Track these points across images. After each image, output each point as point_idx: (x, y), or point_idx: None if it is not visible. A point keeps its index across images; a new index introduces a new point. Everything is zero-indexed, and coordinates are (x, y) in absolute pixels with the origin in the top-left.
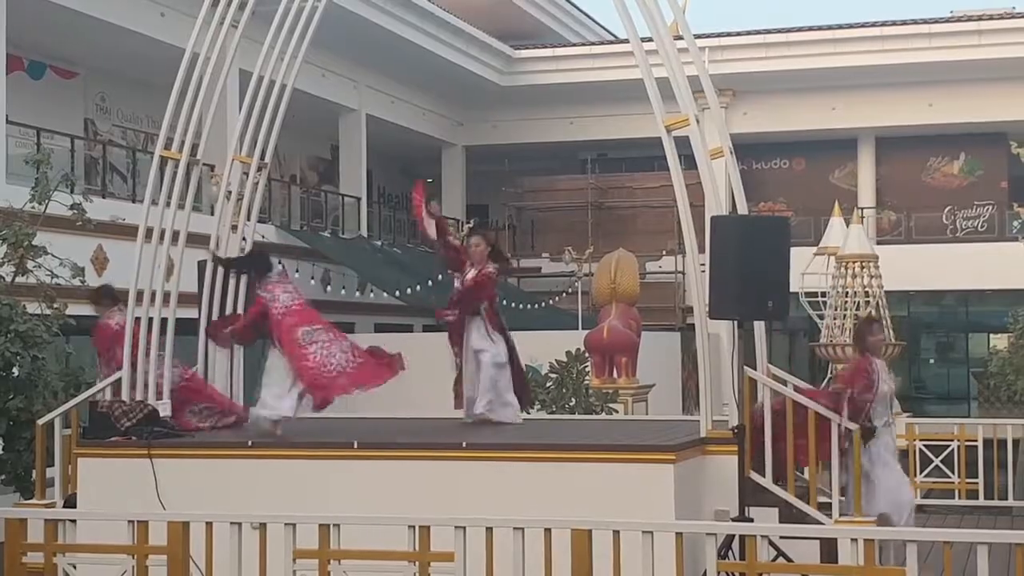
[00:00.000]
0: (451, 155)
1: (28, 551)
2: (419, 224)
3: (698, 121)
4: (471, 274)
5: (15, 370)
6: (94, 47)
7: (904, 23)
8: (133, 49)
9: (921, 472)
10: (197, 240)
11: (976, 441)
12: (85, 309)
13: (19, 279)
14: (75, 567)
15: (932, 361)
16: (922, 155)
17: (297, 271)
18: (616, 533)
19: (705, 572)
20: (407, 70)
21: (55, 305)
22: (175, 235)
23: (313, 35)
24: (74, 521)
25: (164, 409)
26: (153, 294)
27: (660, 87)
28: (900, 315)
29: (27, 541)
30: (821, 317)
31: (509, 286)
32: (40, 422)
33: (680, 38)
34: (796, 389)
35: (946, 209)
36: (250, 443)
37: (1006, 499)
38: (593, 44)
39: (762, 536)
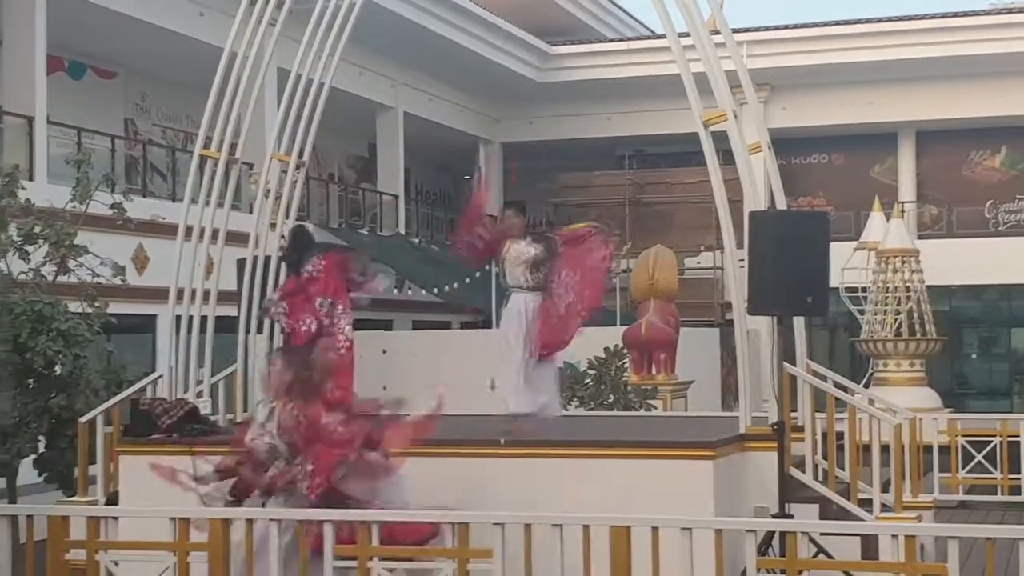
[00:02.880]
0: (488, 152)
1: (71, 548)
2: (463, 238)
3: (736, 116)
4: (526, 248)
5: (57, 368)
6: (134, 47)
7: (944, 16)
8: (172, 49)
9: (963, 468)
10: (236, 238)
11: (1019, 437)
12: (126, 307)
13: (61, 278)
14: (117, 564)
15: (974, 356)
16: (963, 149)
17: None
18: (655, 530)
19: (745, 569)
20: (444, 67)
21: (96, 304)
22: (214, 233)
23: (351, 33)
24: (116, 518)
25: (204, 407)
26: (193, 292)
27: (697, 82)
28: (941, 310)
29: (70, 538)
30: (862, 312)
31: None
32: (82, 420)
33: (717, 33)
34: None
35: (988, 203)
36: None
37: None
38: (630, 40)
39: (802, 533)
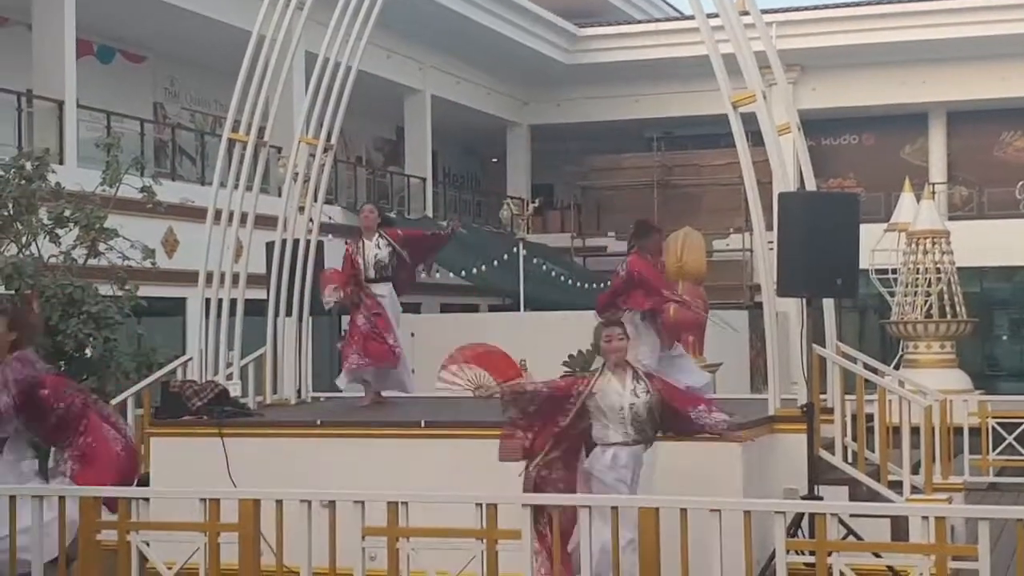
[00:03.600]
0: (516, 134)
1: (102, 529)
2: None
3: (765, 97)
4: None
5: (88, 351)
6: (163, 31)
7: None
8: (201, 33)
9: (993, 450)
10: (265, 222)
11: None
12: (156, 290)
13: (91, 261)
14: (148, 544)
15: (1005, 338)
16: (994, 129)
17: None
18: (683, 512)
19: (774, 551)
20: (472, 50)
21: (127, 287)
22: (243, 217)
23: (378, 16)
24: (147, 499)
25: (234, 389)
26: (223, 275)
27: (726, 63)
28: (972, 291)
29: (101, 519)
30: (892, 294)
31: (575, 265)
32: (113, 402)
33: (746, 13)
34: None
35: (1019, 184)
36: (319, 422)
37: None
38: (658, 21)
39: (832, 514)
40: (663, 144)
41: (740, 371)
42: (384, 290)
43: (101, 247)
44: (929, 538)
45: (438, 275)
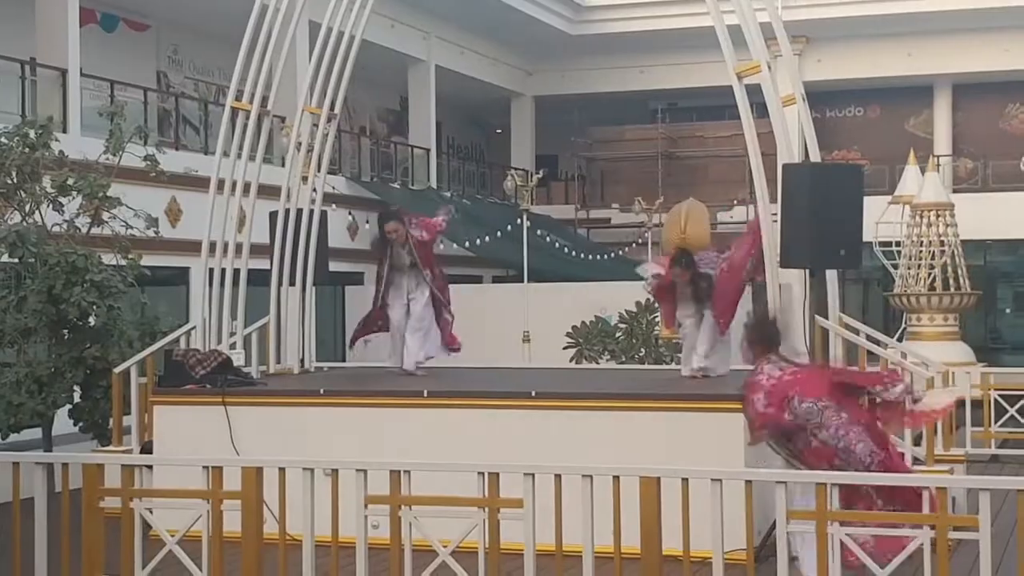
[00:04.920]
0: (520, 105)
1: (105, 496)
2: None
3: (770, 68)
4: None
5: (91, 319)
6: None
7: None
8: (204, 1)
9: (995, 422)
10: (268, 191)
11: None
12: (159, 259)
13: (94, 230)
14: (151, 512)
15: (1008, 311)
16: (999, 101)
17: (368, 222)
18: (685, 481)
19: (775, 521)
20: (476, 20)
21: (130, 256)
22: (247, 186)
23: None
24: (150, 467)
25: (237, 358)
26: (226, 245)
27: (731, 34)
28: (976, 264)
29: (104, 487)
30: (895, 267)
31: (579, 237)
32: (116, 371)
33: None
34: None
35: (1023, 157)
36: (322, 391)
37: None
38: None
39: (833, 484)
40: (667, 115)
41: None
42: None
43: (105, 216)
44: (930, 508)
45: (442, 246)
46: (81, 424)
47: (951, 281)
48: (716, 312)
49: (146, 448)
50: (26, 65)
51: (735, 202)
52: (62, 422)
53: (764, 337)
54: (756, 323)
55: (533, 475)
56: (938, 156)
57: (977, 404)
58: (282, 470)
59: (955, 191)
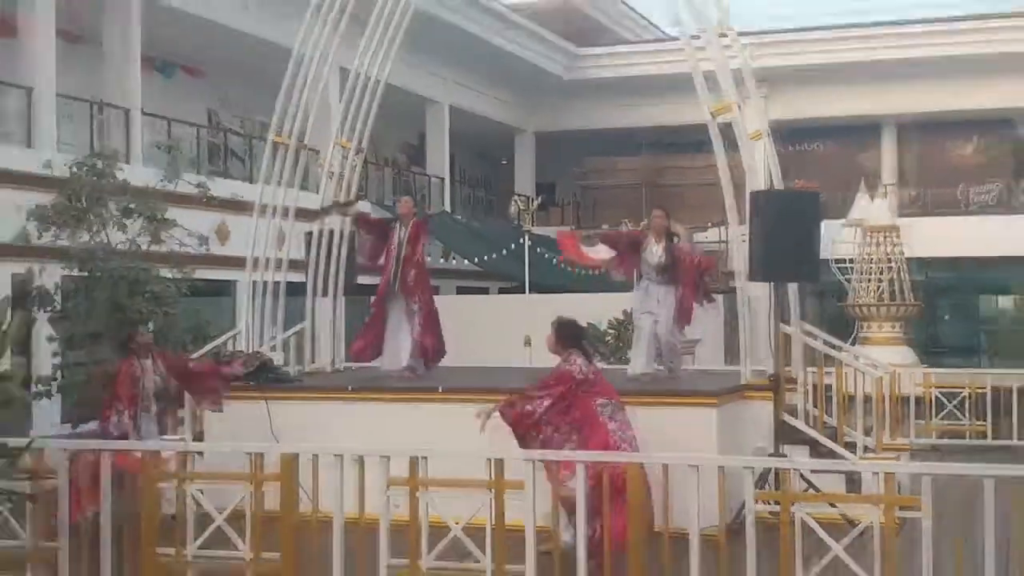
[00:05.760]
0: (522, 140)
1: (163, 479)
2: (581, 260)
3: (740, 109)
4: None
5: (150, 325)
6: (216, 49)
7: (925, 22)
8: (250, 50)
9: (936, 416)
10: (305, 215)
11: (984, 389)
12: (209, 273)
13: (153, 248)
14: (202, 492)
15: (947, 318)
16: (939, 138)
17: None
18: (665, 467)
19: (744, 502)
20: (485, 66)
21: (184, 270)
22: (286, 210)
23: (403, 36)
24: (201, 453)
25: (277, 359)
26: (267, 261)
27: (706, 79)
28: (919, 279)
29: (162, 470)
30: (848, 281)
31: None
32: None
33: (725, 35)
34: None
35: (960, 186)
36: (350, 388)
37: (1010, 439)
38: (647, 41)
39: (795, 470)
40: (651, 149)
41: (716, 346)
42: None
43: (162, 235)
44: (879, 490)
45: (454, 261)
46: None
47: (897, 293)
48: (683, 300)
49: (197, 437)
50: (95, 105)
51: (710, 224)
52: None
53: (572, 335)
54: (566, 323)
55: (534, 461)
56: (885, 185)
57: (920, 400)
58: (315, 456)
59: (900, 215)
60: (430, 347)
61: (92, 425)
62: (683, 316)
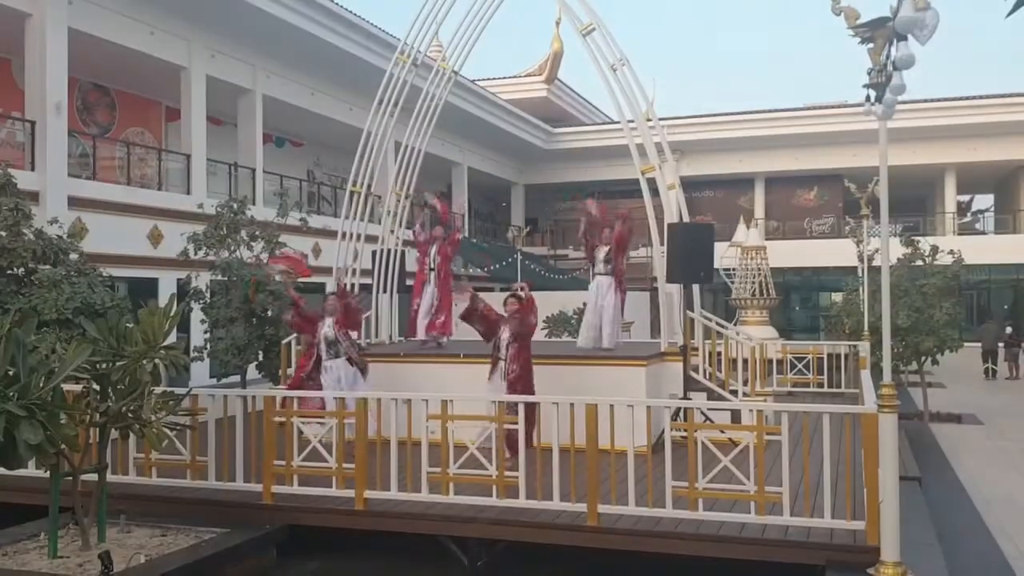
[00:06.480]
0: (516, 189)
1: (276, 415)
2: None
3: (660, 168)
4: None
5: (269, 312)
6: (314, 128)
7: (785, 110)
8: (336, 129)
9: (790, 372)
10: (371, 239)
11: (822, 355)
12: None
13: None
14: (306, 424)
15: (797, 308)
16: (792, 187)
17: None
18: (611, 407)
19: (663, 429)
20: (491, 140)
21: (291, 275)
22: (359, 236)
23: (436, 120)
24: (303, 398)
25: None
26: (346, 270)
27: (637, 148)
28: (779, 281)
29: (276, 409)
30: (732, 282)
31: (549, 265)
32: (283, 342)
33: (650, 120)
34: None
35: (806, 219)
36: (402, 354)
37: (840, 388)
38: (598, 123)
39: (697, 408)
40: (602, 195)
41: (644, 326)
42: None
43: (276, 253)
44: (753, 422)
45: (470, 270)
46: (263, 373)
47: (764, 291)
48: (617, 269)
49: (300, 387)
50: (232, 166)
51: (641, 245)
52: (251, 373)
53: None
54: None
55: (521, 403)
56: (757, 219)
57: (780, 362)
58: (379, 400)
59: (767, 239)
60: (446, 325)
61: (230, 379)
62: (619, 281)
